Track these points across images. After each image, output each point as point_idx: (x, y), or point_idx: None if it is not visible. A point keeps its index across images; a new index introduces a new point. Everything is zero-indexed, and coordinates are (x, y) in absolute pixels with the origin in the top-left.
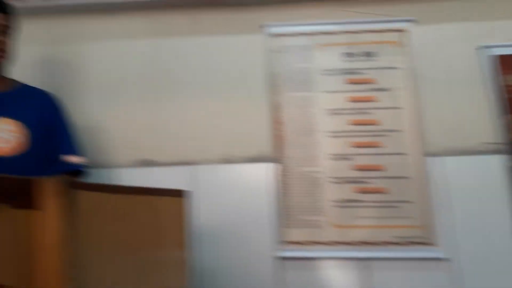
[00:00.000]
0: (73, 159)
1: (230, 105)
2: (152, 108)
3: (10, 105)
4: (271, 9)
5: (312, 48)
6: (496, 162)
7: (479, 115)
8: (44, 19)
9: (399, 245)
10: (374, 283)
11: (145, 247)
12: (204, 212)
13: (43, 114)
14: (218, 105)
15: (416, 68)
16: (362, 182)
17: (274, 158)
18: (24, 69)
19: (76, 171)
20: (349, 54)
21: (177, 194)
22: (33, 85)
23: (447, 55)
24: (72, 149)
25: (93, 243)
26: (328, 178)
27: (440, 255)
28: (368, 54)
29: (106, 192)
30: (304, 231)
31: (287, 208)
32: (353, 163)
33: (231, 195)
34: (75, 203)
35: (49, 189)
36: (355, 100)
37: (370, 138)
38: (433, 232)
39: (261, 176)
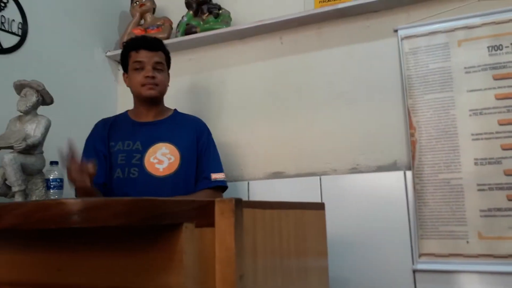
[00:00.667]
0: (217, 176)
1: (360, 113)
2: (281, 122)
3: (165, 131)
4: (403, 10)
5: (451, 46)
6: None
7: None
8: (186, 52)
9: None
10: None
11: (294, 256)
12: (334, 222)
13: (193, 138)
14: (348, 114)
15: None
16: None
17: (409, 165)
18: (175, 97)
19: (220, 186)
20: (495, 47)
21: (319, 207)
22: (183, 111)
23: None
24: (216, 167)
25: (253, 257)
26: (473, 185)
27: None
28: None
29: (263, 208)
30: (443, 242)
31: (424, 218)
32: (503, 167)
33: (362, 205)
34: (241, 220)
35: (223, 209)
36: (504, 97)
37: None
38: None
39: (395, 184)
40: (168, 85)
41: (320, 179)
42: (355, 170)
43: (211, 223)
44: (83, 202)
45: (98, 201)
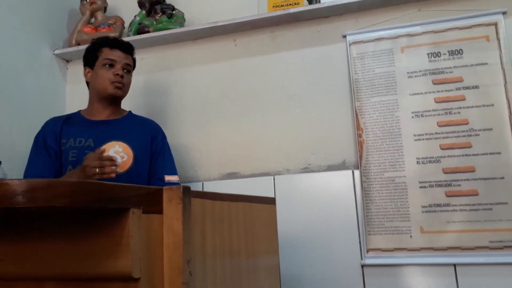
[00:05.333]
0: (171, 178)
1: (311, 115)
2: (235, 124)
3: (119, 130)
4: (352, 17)
5: (395, 51)
6: None
7: None
8: (138, 52)
9: (493, 250)
10: None
11: (244, 247)
12: (286, 220)
13: (147, 139)
14: (299, 115)
15: (509, 62)
16: (452, 185)
17: (357, 164)
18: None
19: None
20: (434, 54)
21: (270, 201)
22: (136, 111)
23: None
24: (170, 170)
25: (201, 244)
26: (415, 183)
27: None
28: (455, 52)
29: (212, 199)
30: (389, 238)
31: (371, 215)
32: (442, 165)
33: (313, 203)
34: (189, 207)
35: (171, 196)
36: (442, 101)
37: (460, 139)
38: None
39: (344, 183)
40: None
41: (274, 179)
42: (307, 169)
43: (159, 210)
44: (27, 183)
45: (42, 181)
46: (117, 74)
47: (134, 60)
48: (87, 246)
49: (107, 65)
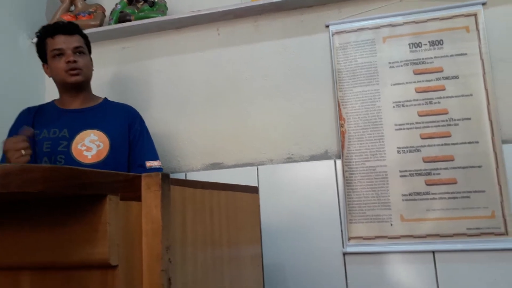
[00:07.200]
0: (153, 163)
1: (294, 105)
2: (218, 114)
3: (94, 118)
4: (335, 7)
5: (377, 42)
6: None
7: None
8: (120, 41)
9: (470, 237)
10: (444, 276)
11: (225, 239)
12: (269, 210)
13: (124, 125)
14: (283, 106)
15: (489, 52)
16: (431, 173)
17: (339, 154)
18: (104, 87)
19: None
20: (415, 44)
21: (253, 190)
22: (119, 102)
23: None
24: (151, 155)
25: (182, 232)
26: (396, 172)
27: None
28: (435, 43)
29: (193, 187)
30: (370, 226)
31: (353, 204)
32: (422, 154)
33: (296, 193)
34: (169, 194)
35: (149, 183)
36: (423, 91)
37: (439, 128)
38: (507, 221)
39: (326, 173)
40: (92, 70)
41: (257, 169)
42: (290, 159)
43: (138, 197)
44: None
45: (15, 167)
46: (69, 62)
47: (85, 38)
48: (64, 234)
49: (56, 56)
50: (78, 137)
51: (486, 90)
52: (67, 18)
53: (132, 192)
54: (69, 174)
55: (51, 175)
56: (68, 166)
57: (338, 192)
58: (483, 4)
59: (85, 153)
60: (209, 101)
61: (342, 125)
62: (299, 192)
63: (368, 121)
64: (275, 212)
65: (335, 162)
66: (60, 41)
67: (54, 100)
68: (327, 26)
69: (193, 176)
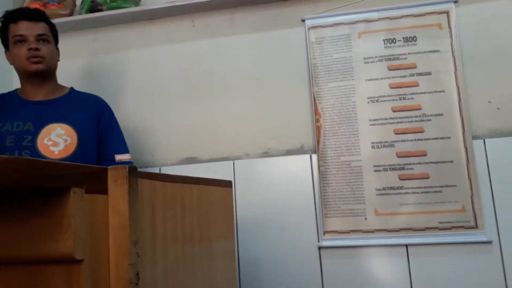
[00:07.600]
0: (122, 157)
1: (270, 99)
2: (193, 107)
3: (60, 110)
4: (311, 1)
5: (352, 37)
6: None
7: None
8: (91, 32)
9: (442, 230)
10: (417, 269)
11: (196, 234)
12: (245, 205)
13: (92, 118)
14: (258, 100)
15: (460, 50)
16: (405, 168)
17: (315, 149)
18: (74, 79)
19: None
20: (390, 40)
21: (226, 184)
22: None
23: (492, 34)
24: (121, 148)
25: (151, 226)
26: (370, 167)
27: (483, 238)
28: (409, 39)
29: (163, 180)
30: (345, 220)
31: (328, 198)
32: (396, 150)
33: (272, 187)
34: (136, 188)
35: (116, 176)
36: (397, 86)
37: (412, 124)
38: (477, 215)
39: (302, 167)
40: (58, 60)
41: (233, 163)
42: (266, 154)
43: (104, 190)
44: None
45: None
46: (30, 49)
47: (51, 26)
48: (28, 228)
49: (18, 42)
50: (44, 131)
51: (458, 86)
52: (35, 6)
53: (98, 185)
54: (27, 166)
55: (9, 166)
56: (27, 158)
57: (313, 187)
58: (455, 2)
59: (51, 148)
60: (184, 94)
61: (317, 120)
62: (275, 186)
63: (343, 116)
64: (251, 206)
65: (310, 156)
66: (23, 27)
67: (17, 89)
68: (303, 21)
69: (167, 170)
